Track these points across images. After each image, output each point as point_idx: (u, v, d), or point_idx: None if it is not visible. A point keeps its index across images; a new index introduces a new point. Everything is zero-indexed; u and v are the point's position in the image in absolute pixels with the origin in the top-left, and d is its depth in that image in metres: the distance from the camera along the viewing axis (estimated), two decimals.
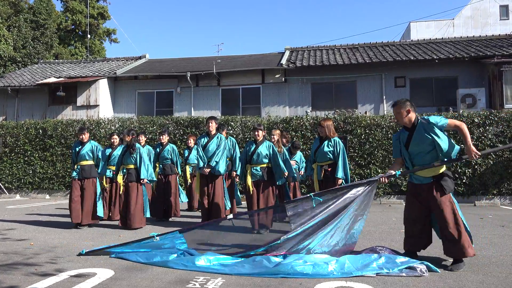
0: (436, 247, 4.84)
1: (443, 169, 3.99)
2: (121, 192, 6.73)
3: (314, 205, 4.17)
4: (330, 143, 5.52)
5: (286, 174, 6.50)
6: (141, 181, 6.67)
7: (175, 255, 4.25)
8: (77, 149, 7.06)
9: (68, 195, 13.31)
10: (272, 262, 3.83)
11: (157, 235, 4.47)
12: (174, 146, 8.35)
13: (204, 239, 4.62)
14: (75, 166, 7.00)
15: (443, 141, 3.91)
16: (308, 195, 4.28)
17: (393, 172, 4.12)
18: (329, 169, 5.47)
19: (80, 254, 4.53)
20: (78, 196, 6.85)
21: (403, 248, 4.26)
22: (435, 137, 3.90)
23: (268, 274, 3.66)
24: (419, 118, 4.09)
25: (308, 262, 3.74)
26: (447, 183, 3.92)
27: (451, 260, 4.06)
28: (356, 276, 3.58)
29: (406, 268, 3.66)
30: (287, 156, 6.92)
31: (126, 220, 6.56)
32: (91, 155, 7.06)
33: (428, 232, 4.14)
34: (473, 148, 3.91)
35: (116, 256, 4.44)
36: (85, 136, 7.10)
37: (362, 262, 3.79)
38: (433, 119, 3.97)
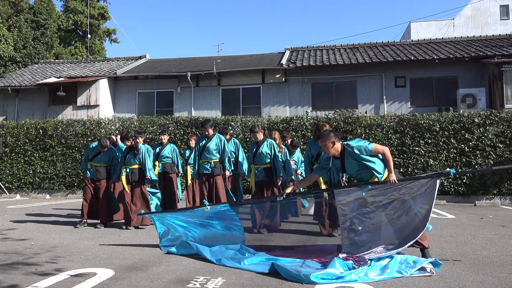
0: (436, 247, 4.84)
1: (384, 177, 4.09)
2: (127, 191, 6.74)
3: (364, 194, 4.04)
4: None
5: (288, 179, 6.68)
6: (146, 179, 6.73)
7: (232, 251, 4.40)
8: (95, 151, 7.17)
9: (68, 194, 13.40)
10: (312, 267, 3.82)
11: (208, 205, 4.71)
12: (175, 146, 8.34)
13: (264, 239, 4.86)
14: (88, 165, 7.11)
15: (372, 164, 4.05)
16: (358, 183, 4.17)
17: (447, 170, 4.07)
18: None
19: (140, 214, 5.39)
20: (93, 196, 7.05)
21: None
22: (364, 162, 4.05)
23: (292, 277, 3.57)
24: (344, 145, 4.14)
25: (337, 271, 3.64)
26: None
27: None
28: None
29: (418, 269, 3.66)
30: (288, 157, 6.95)
31: (131, 218, 6.60)
32: (106, 160, 7.18)
33: None
34: (393, 176, 3.98)
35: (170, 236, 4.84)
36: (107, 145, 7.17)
37: (381, 266, 3.73)
38: (357, 148, 4.02)
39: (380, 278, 3.53)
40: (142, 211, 5.17)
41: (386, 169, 4.08)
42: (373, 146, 4.03)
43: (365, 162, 4.05)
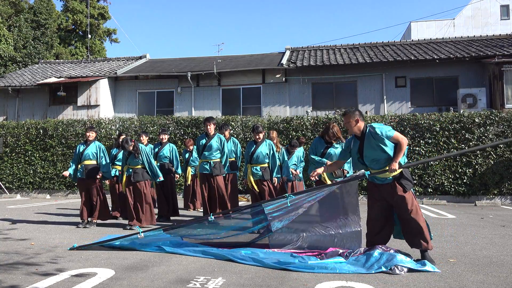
0: (436, 247, 4.84)
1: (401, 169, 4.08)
2: (122, 191, 6.74)
3: (289, 204, 4.34)
4: (340, 145, 5.77)
5: (285, 179, 6.77)
6: (158, 179, 6.83)
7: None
8: (82, 148, 7.06)
9: (68, 194, 13.41)
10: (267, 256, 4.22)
11: (142, 232, 4.80)
12: (174, 146, 8.31)
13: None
14: (79, 166, 7.01)
15: (389, 149, 4.04)
16: (285, 194, 4.51)
17: (361, 172, 4.20)
18: (341, 168, 5.65)
19: (72, 249, 4.82)
20: (85, 195, 6.98)
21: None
22: (382, 146, 4.03)
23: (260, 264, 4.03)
24: (367, 126, 4.16)
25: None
26: (406, 181, 4.03)
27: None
28: (357, 275, 3.60)
29: (392, 267, 3.70)
30: (285, 157, 6.99)
31: (138, 218, 6.61)
32: (95, 155, 7.05)
33: (389, 229, 4.24)
34: (395, 164, 3.96)
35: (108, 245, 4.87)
36: (92, 135, 7.11)
37: (363, 261, 3.86)
38: (379, 129, 4.03)
39: (364, 271, 3.69)
40: (75, 245, 4.90)
41: (394, 157, 3.99)
42: (395, 133, 4.01)
43: (382, 146, 4.01)
